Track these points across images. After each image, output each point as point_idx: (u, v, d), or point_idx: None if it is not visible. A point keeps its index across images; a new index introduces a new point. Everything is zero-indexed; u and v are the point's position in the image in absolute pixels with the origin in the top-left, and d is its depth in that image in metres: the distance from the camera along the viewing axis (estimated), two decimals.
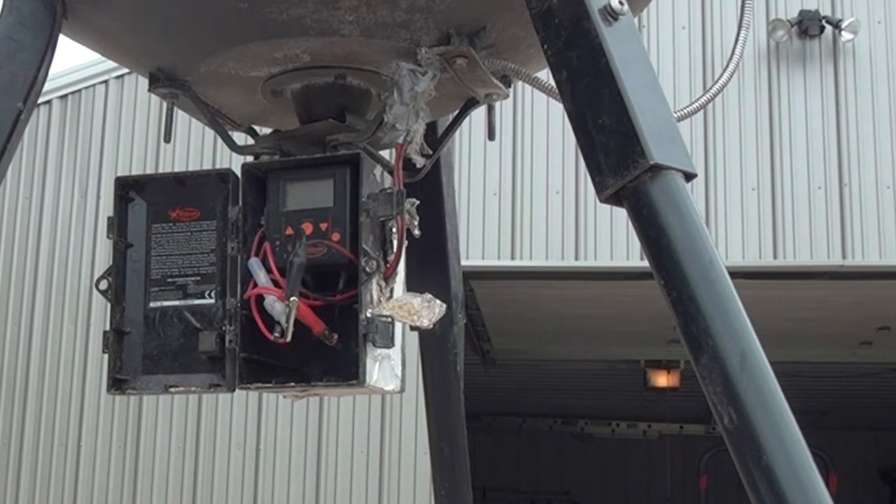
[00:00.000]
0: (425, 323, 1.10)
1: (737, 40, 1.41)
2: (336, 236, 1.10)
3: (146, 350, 1.17)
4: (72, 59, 8.73)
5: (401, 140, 1.19)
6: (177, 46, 1.25)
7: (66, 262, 8.18)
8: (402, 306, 1.09)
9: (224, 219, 1.49)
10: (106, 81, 8.29)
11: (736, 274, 1.02)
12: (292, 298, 1.05)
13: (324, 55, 1.23)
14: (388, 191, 1.13)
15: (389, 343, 1.09)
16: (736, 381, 1.01)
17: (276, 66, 1.26)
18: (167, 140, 1.63)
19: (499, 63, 1.24)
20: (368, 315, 1.09)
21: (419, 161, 1.24)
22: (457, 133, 1.53)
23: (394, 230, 1.13)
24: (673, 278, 1.05)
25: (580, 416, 15.67)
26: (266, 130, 1.42)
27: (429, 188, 1.60)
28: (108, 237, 1.20)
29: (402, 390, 1.15)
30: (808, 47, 7.79)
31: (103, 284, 1.20)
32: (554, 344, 11.11)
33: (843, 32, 7.62)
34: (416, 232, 1.17)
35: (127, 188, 1.38)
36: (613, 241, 7.56)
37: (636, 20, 1.22)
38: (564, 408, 15.24)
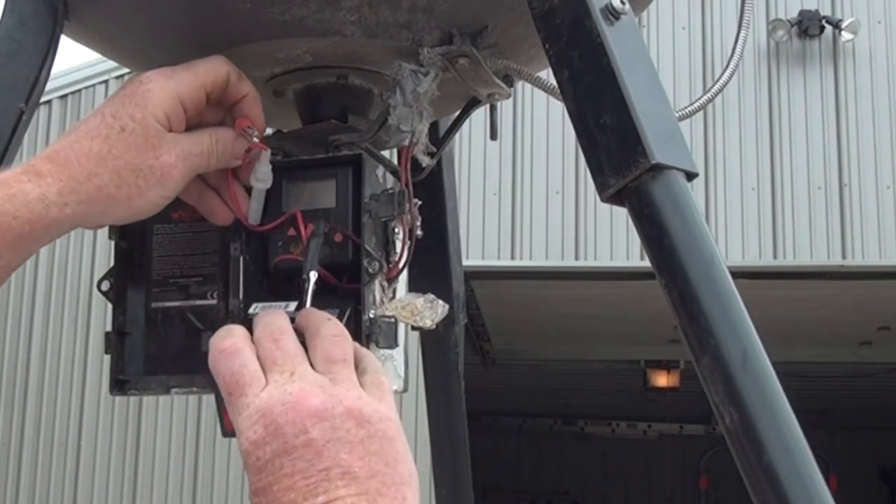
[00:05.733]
0: (428, 323, 1.10)
1: (737, 40, 1.41)
2: (338, 237, 1.10)
3: (148, 351, 1.17)
4: (72, 59, 8.73)
5: (406, 141, 1.19)
6: (178, 47, 1.25)
7: (66, 262, 8.18)
8: (405, 307, 1.09)
9: None
10: (106, 81, 8.29)
11: (736, 274, 1.02)
12: (311, 272, 1.06)
13: (326, 55, 1.23)
14: (391, 191, 1.13)
15: (393, 343, 1.10)
16: (737, 381, 1.01)
17: (277, 67, 1.26)
18: None
19: (501, 63, 1.24)
20: (371, 316, 1.09)
21: (424, 161, 1.24)
22: (457, 133, 1.53)
23: (396, 230, 1.13)
24: (674, 278, 1.04)
25: (580, 416, 15.68)
26: (268, 131, 1.42)
27: (430, 188, 1.60)
28: (109, 238, 1.20)
29: (405, 390, 1.16)
30: (808, 47, 7.79)
31: (105, 285, 1.20)
32: (554, 344, 11.11)
33: (843, 32, 7.62)
34: (419, 232, 1.17)
35: None
36: (613, 241, 7.56)
37: (637, 20, 1.22)
38: (564, 408, 15.25)
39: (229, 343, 0.95)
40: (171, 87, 1.04)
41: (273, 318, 0.98)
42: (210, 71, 1.07)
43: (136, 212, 1.03)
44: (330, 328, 0.97)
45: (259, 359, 0.94)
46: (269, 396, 0.90)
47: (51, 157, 1.00)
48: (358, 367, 0.96)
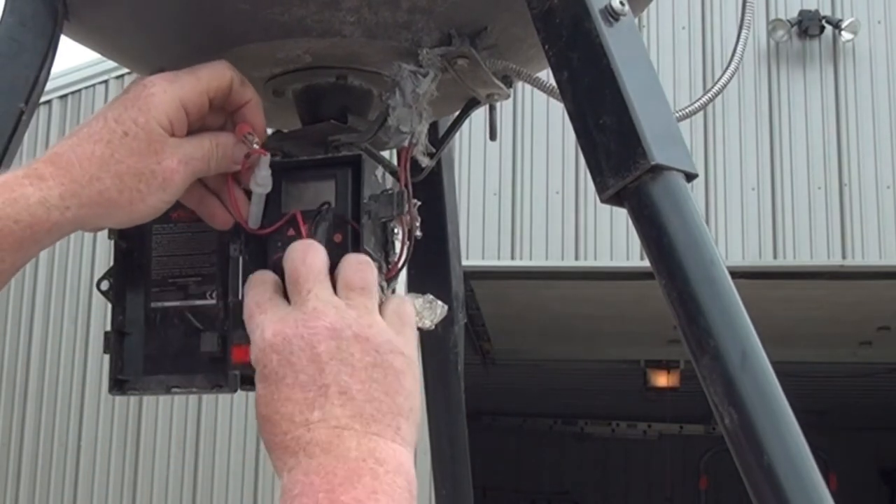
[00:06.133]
0: (427, 324, 1.10)
1: (737, 41, 1.41)
2: (338, 237, 1.10)
3: (147, 351, 1.17)
4: (72, 59, 8.73)
5: (406, 142, 1.19)
6: (178, 47, 1.25)
7: (66, 262, 8.18)
8: None
9: None
10: (106, 81, 8.29)
11: (736, 274, 1.02)
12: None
13: (325, 56, 1.23)
14: (390, 192, 1.13)
15: None
16: (737, 382, 1.01)
17: (277, 67, 1.26)
18: None
19: (500, 63, 1.24)
20: None
21: (424, 161, 1.24)
22: (457, 133, 1.53)
23: (396, 231, 1.13)
24: (674, 278, 1.05)
25: (580, 416, 15.68)
26: (268, 131, 1.42)
27: (430, 188, 1.60)
28: (108, 237, 1.20)
29: None
30: (808, 47, 7.79)
31: (104, 285, 1.20)
32: (554, 344, 11.12)
33: (843, 32, 7.62)
34: (418, 233, 1.17)
35: None
36: (613, 241, 7.56)
37: (636, 20, 1.22)
38: (564, 408, 15.25)
39: (259, 276, 1.03)
40: (174, 91, 1.04)
41: (310, 240, 1.04)
42: (213, 76, 1.08)
43: (137, 216, 1.04)
44: (356, 257, 1.02)
45: (285, 272, 1.00)
46: (286, 314, 0.96)
47: (52, 159, 1.00)
48: (385, 299, 1.02)
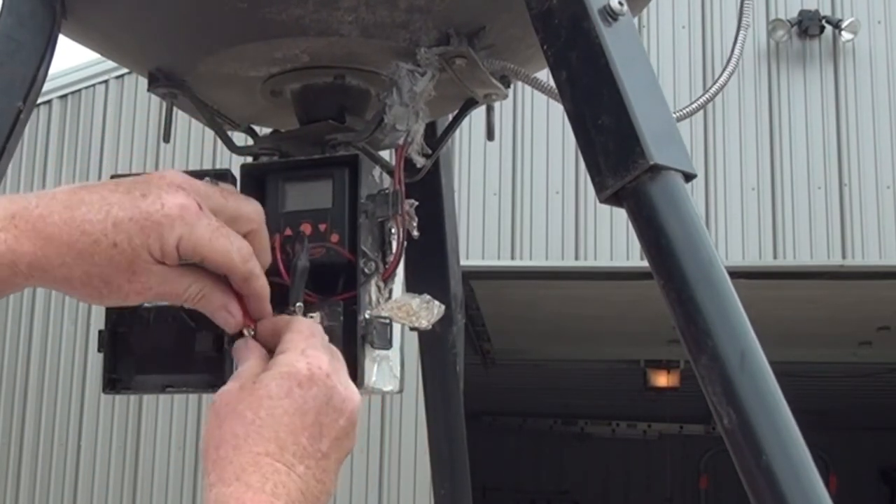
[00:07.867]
0: (424, 324, 1.10)
1: (735, 41, 1.41)
2: (335, 237, 1.10)
3: (142, 349, 1.17)
4: (72, 59, 8.73)
5: (401, 141, 1.19)
6: (176, 46, 1.25)
7: None
8: (401, 307, 1.09)
9: None
10: (106, 81, 8.29)
11: (736, 274, 1.02)
12: (298, 304, 1.05)
13: (323, 55, 1.23)
14: (386, 191, 1.13)
15: (387, 344, 1.10)
16: (735, 382, 1.00)
17: (275, 66, 1.26)
18: (166, 140, 1.63)
19: (498, 63, 1.24)
20: (367, 316, 1.09)
21: (419, 161, 1.24)
22: (456, 133, 1.53)
23: (393, 231, 1.13)
24: (672, 279, 1.04)
25: (580, 416, 15.68)
26: (266, 131, 1.42)
27: (428, 188, 1.59)
28: None
29: (400, 390, 1.16)
30: (808, 47, 7.78)
31: None
32: (554, 344, 11.11)
33: (843, 32, 7.62)
34: (415, 233, 1.17)
35: None
36: (613, 241, 7.55)
37: (636, 20, 1.21)
38: (564, 408, 15.25)
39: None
40: (180, 233, 0.98)
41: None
42: (223, 255, 1.00)
43: (92, 302, 1.03)
44: None
45: None
46: None
47: (37, 224, 0.97)
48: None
